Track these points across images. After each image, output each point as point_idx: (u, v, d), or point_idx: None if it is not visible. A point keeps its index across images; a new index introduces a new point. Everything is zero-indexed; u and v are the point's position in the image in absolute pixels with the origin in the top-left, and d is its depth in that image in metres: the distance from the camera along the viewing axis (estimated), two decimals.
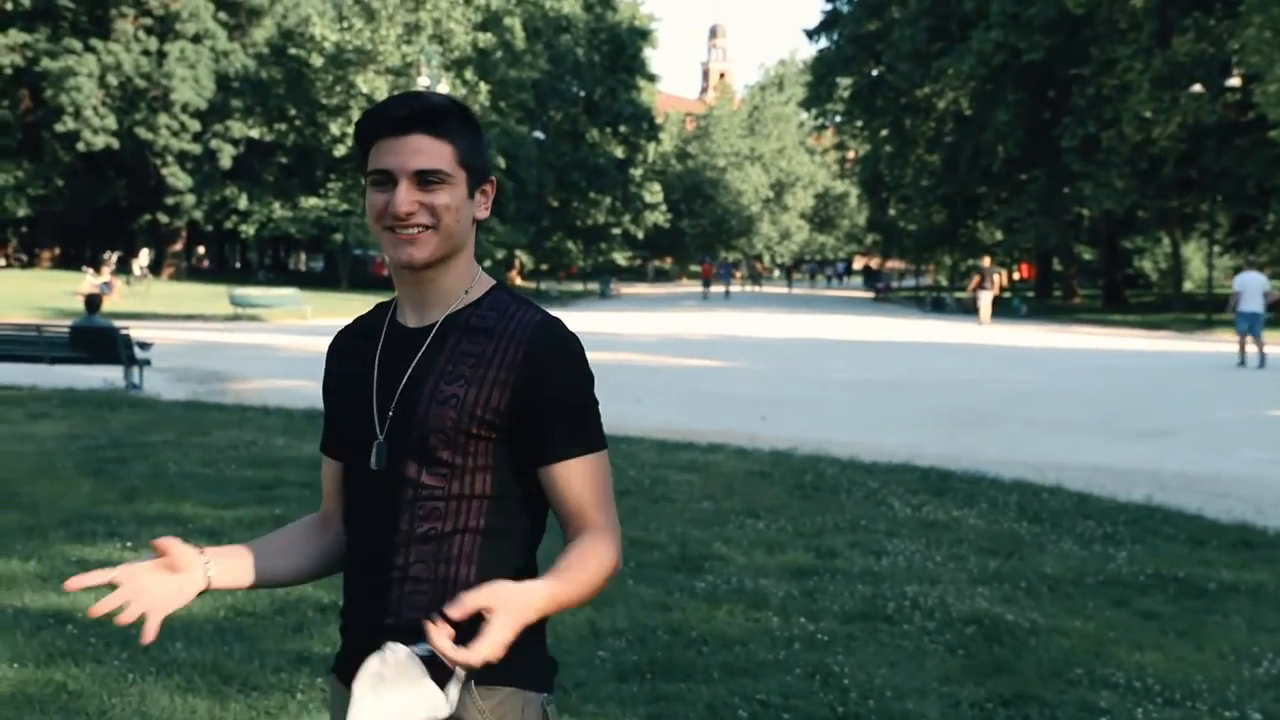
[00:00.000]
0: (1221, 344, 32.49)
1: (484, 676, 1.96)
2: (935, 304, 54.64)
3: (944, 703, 5.13)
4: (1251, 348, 24.67)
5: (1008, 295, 52.55)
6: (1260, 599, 6.94)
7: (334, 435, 2.24)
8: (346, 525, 2.18)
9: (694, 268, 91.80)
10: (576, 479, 2.07)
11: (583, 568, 2.01)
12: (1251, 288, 24.93)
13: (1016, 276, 79.17)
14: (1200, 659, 5.81)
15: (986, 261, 48.11)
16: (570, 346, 2.08)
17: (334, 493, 2.28)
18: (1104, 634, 6.14)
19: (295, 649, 5.61)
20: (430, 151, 2.05)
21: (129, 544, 7.47)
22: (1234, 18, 42.23)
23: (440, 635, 1.80)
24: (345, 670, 2.10)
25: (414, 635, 1.96)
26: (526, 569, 2.10)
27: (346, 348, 2.24)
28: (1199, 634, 6.22)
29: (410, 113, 2.05)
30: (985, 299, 40.54)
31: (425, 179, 2.05)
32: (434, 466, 2.04)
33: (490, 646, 1.80)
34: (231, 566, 2.16)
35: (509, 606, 1.84)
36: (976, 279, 43.19)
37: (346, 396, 2.16)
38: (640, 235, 79.12)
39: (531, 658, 2.06)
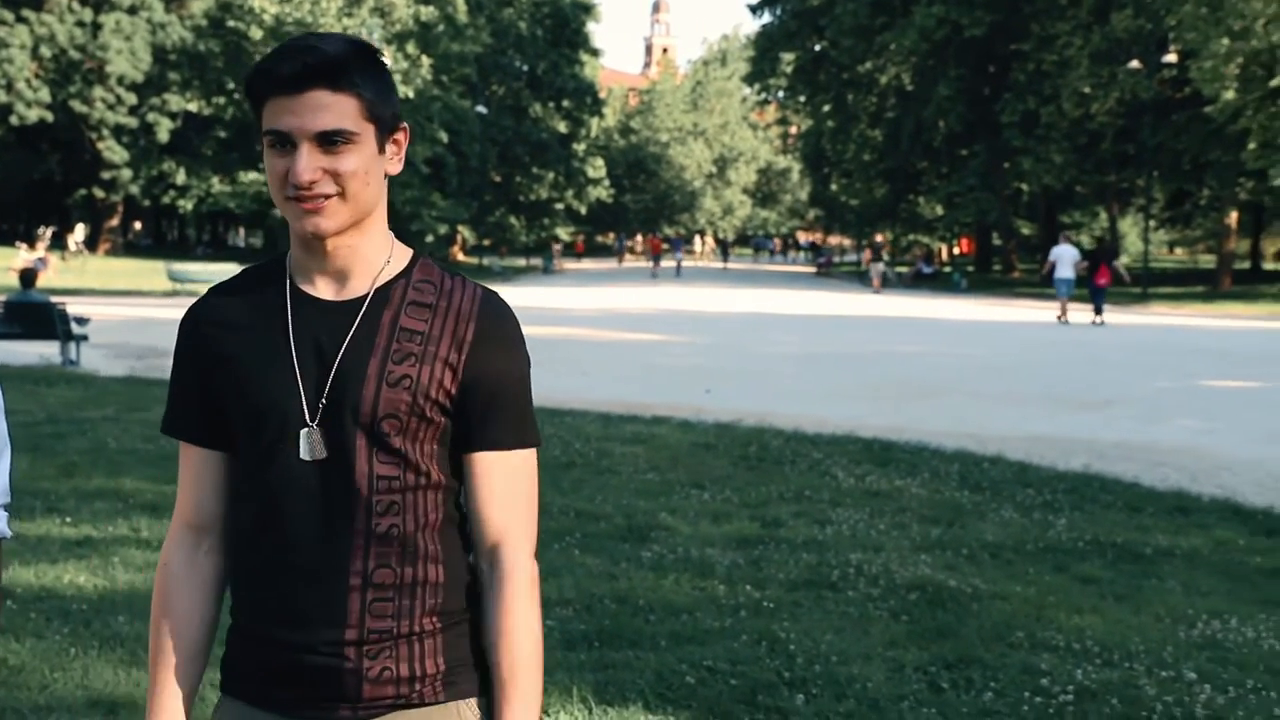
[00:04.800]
0: (1157, 316, 32.93)
1: (471, 689, 1.90)
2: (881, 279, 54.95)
3: (888, 667, 5.18)
4: (1069, 311, 28.61)
5: (948, 270, 53.01)
6: (1195, 563, 7.07)
7: (216, 419, 1.92)
8: (258, 527, 1.88)
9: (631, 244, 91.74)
10: (502, 474, 1.90)
11: (522, 650, 1.88)
12: (1065, 258, 29.11)
13: (957, 251, 79.73)
14: (1137, 621, 5.91)
15: (880, 237, 54.79)
16: (516, 326, 1.94)
17: (211, 493, 1.95)
18: (1044, 598, 6.23)
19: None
20: (332, 109, 1.79)
21: (68, 519, 7.40)
22: None
23: None
24: (279, 695, 1.88)
25: (381, 649, 1.84)
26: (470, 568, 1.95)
27: (229, 320, 1.92)
28: (1136, 598, 6.33)
29: (304, 67, 1.78)
30: (877, 270, 46.34)
31: (329, 140, 1.79)
32: (388, 455, 1.84)
33: None
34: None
35: None
36: (869, 252, 49.58)
37: (253, 376, 1.87)
38: (583, 210, 78.91)
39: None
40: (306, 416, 1.84)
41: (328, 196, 1.80)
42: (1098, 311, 28.62)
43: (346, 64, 1.80)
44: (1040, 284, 51.02)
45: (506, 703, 1.87)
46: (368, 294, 1.88)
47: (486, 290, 1.93)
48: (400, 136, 1.90)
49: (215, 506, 1.96)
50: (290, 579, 1.84)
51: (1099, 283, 28.79)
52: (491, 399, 1.88)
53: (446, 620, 1.89)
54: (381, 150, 1.86)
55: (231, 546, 1.96)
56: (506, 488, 1.90)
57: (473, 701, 1.91)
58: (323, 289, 1.89)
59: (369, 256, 1.89)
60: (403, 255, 1.93)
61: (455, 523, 1.92)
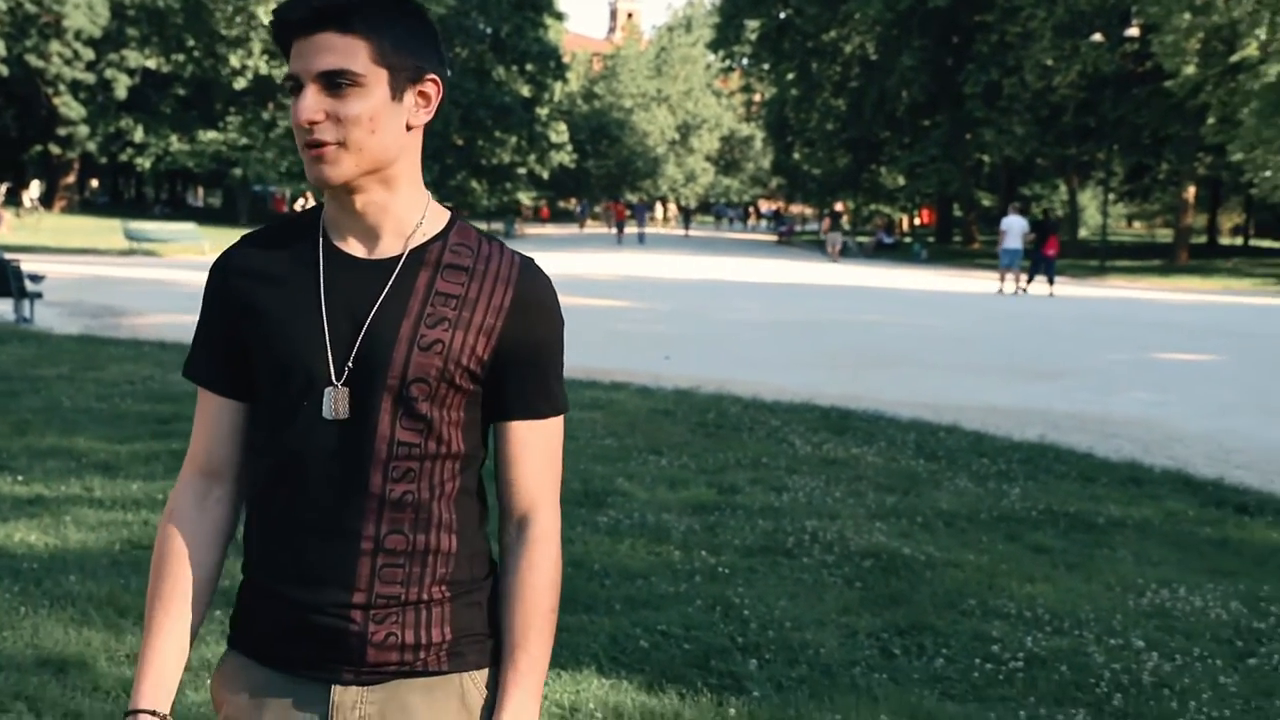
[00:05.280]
0: (1115, 289, 33.18)
1: (478, 661, 1.88)
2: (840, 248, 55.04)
3: (841, 633, 5.22)
4: (1010, 282, 29.17)
5: (909, 240, 53.23)
6: (1146, 533, 7.15)
7: (238, 368, 1.90)
8: (274, 483, 1.85)
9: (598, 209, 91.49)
10: (537, 442, 1.90)
11: (538, 606, 1.89)
12: (1014, 229, 29.54)
13: (918, 222, 79.99)
14: (1088, 590, 5.98)
15: (839, 206, 55.69)
16: (553, 294, 1.90)
17: (226, 442, 1.92)
18: (996, 567, 6.29)
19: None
20: (337, 49, 1.75)
21: (19, 478, 7.33)
22: None
23: None
24: (284, 653, 1.85)
25: (388, 614, 1.81)
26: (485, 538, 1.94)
27: (260, 270, 1.89)
28: (1087, 566, 6.40)
29: (310, 10, 1.76)
30: (834, 239, 47.09)
31: (333, 83, 1.76)
32: (412, 421, 1.80)
33: None
34: (172, 685, 1.89)
35: None
36: (827, 221, 50.43)
37: (281, 330, 1.83)
38: (546, 175, 78.60)
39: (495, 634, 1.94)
40: (333, 375, 1.80)
41: (330, 144, 1.77)
42: (1050, 282, 29.14)
43: (357, 7, 1.76)
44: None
45: (514, 664, 1.87)
46: (402, 254, 1.84)
47: (525, 257, 1.89)
48: (428, 88, 1.84)
49: (228, 455, 1.92)
50: (303, 537, 1.81)
51: (1047, 253, 29.45)
52: (527, 366, 1.87)
53: (456, 590, 1.86)
54: (397, 99, 1.80)
55: (242, 498, 1.94)
56: (540, 456, 1.91)
57: (477, 675, 1.88)
58: (355, 246, 1.86)
59: (400, 215, 1.85)
60: (439, 216, 1.90)
61: (473, 493, 1.90)
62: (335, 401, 1.80)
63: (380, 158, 1.80)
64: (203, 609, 1.93)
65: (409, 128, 1.83)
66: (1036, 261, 29.56)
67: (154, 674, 1.87)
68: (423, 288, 1.83)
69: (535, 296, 1.87)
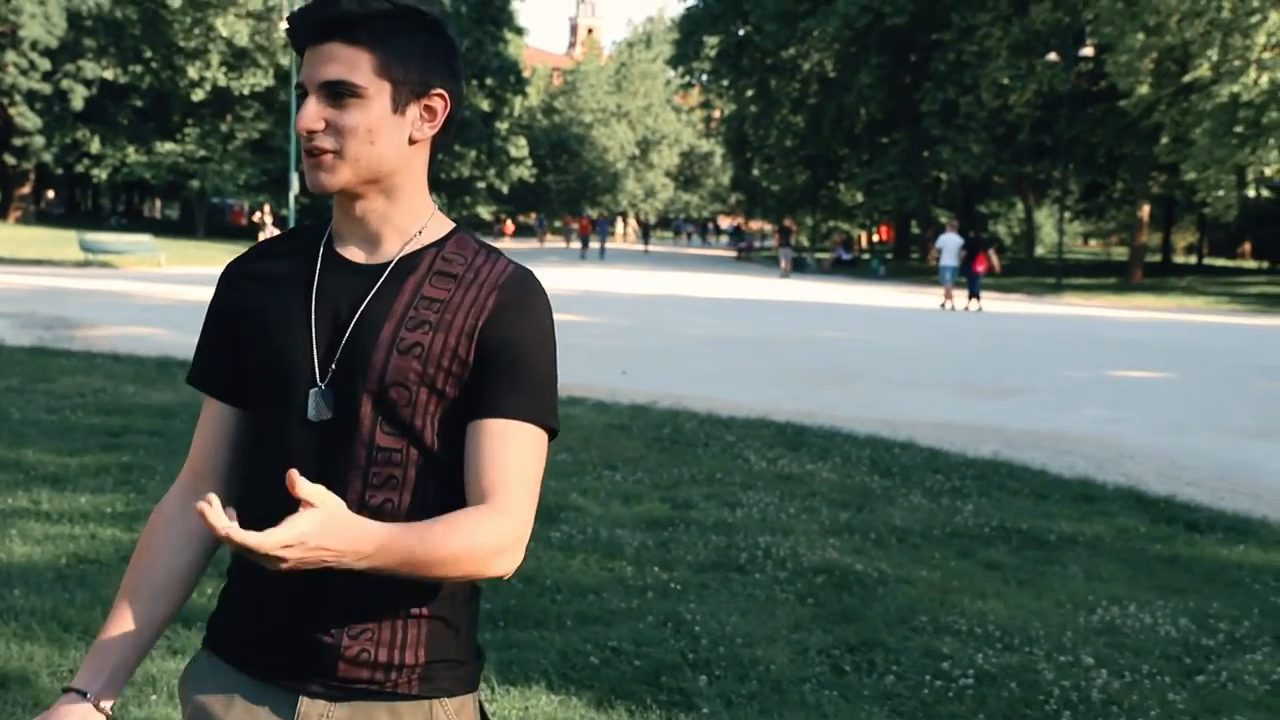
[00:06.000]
0: (1070, 307, 33.44)
1: (450, 688, 1.83)
2: (796, 264, 55.25)
3: (792, 649, 5.22)
4: (949, 297, 30.55)
5: (867, 257, 53.57)
6: (1097, 550, 7.18)
7: (236, 374, 1.89)
8: (258, 485, 1.84)
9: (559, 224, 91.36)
10: (506, 445, 1.78)
11: (454, 530, 1.70)
12: (949, 247, 31.10)
13: (876, 238, 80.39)
14: (1039, 606, 6.00)
15: (788, 222, 58.16)
16: (545, 304, 1.85)
17: (220, 444, 1.92)
18: (948, 583, 6.30)
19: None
20: (341, 60, 1.77)
21: None
22: None
23: (215, 513, 1.53)
24: (256, 659, 1.83)
25: (363, 630, 1.79)
26: None
27: (261, 275, 1.90)
28: (1039, 583, 6.42)
29: (317, 19, 1.78)
30: (786, 254, 47.95)
31: (334, 92, 1.77)
32: (393, 426, 1.78)
33: (268, 539, 1.54)
34: (118, 675, 1.85)
35: (330, 521, 1.58)
36: (778, 237, 52.58)
37: (271, 331, 1.83)
38: (505, 190, 78.54)
39: (478, 657, 1.92)
40: (316, 377, 1.80)
41: (328, 152, 1.78)
42: (973, 296, 30.25)
43: (364, 18, 1.77)
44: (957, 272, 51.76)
45: (408, 525, 1.70)
46: (392, 260, 1.85)
47: (520, 266, 1.87)
48: (435, 103, 1.83)
49: (220, 459, 1.92)
50: None
51: (976, 270, 30.62)
52: (507, 367, 1.80)
53: (434, 609, 1.82)
54: (399, 112, 1.80)
55: (232, 502, 1.89)
56: (509, 459, 1.77)
57: (449, 702, 1.85)
58: (354, 252, 1.86)
59: (400, 224, 1.85)
60: (441, 226, 1.89)
61: (457, 507, 1.80)
62: (318, 404, 1.80)
63: (378, 169, 1.81)
64: (170, 608, 1.90)
65: (412, 141, 1.83)
66: (969, 278, 30.69)
67: (98, 658, 1.85)
68: (409, 292, 1.82)
69: (522, 301, 1.83)
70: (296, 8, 1.84)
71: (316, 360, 1.81)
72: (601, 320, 22.55)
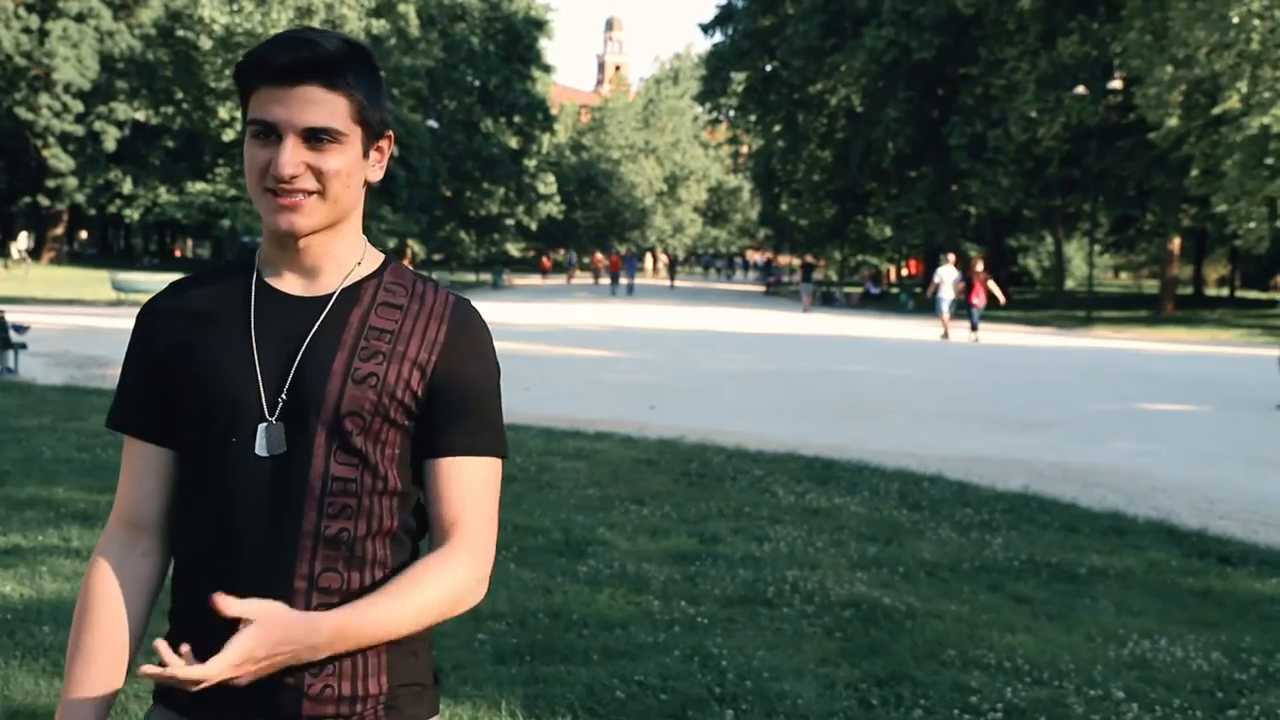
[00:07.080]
0: (1101, 340, 33.27)
1: (415, 715, 1.83)
2: (825, 298, 55.22)
3: (820, 683, 5.19)
4: (944, 326, 31.15)
5: (896, 290, 53.52)
6: (1128, 583, 7.12)
7: (165, 413, 1.85)
8: (204, 524, 1.80)
9: (588, 260, 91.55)
10: (467, 481, 1.83)
11: (413, 592, 1.76)
12: (946, 280, 32.09)
13: (905, 272, 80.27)
14: (1068, 641, 5.95)
15: (810, 259, 59.94)
16: (487, 334, 1.90)
17: (152, 490, 1.87)
18: (977, 617, 6.26)
19: (164, 632, 5.50)
20: (323, 105, 1.76)
21: None
22: (1116, 21, 43.31)
23: (166, 651, 1.61)
24: (213, 709, 1.77)
25: (325, 663, 1.75)
26: None
27: (189, 310, 1.87)
28: (1068, 617, 6.37)
29: (300, 60, 1.75)
30: (806, 290, 48.91)
31: (315, 137, 1.76)
32: (347, 456, 1.77)
33: (213, 669, 1.61)
34: None
35: (273, 630, 1.66)
36: (801, 272, 53.54)
37: (210, 367, 1.80)
38: (534, 226, 78.87)
39: (436, 681, 1.91)
40: (265, 411, 1.77)
41: (307, 193, 1.77)
42: (973, 329, 30.74)
43: (343, 63, 1.77)
44: (986, 306, 51.59)
45: (369, 598, 1.76)
46: (335, 291, 1.84)
47: (459, 296, 1.90)
48: (384, 144, 1.87)
49: (156, 506, 1.87)
50: (234, 580, 1.73)
51: (972, 302, 31.23)
52: (459, 403, 1.83)
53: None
54: (365, 155, 1.83)
55: (169, 550, 1.88)
56: (468, 495, 1.83)
57: None
58: (291, 284, 1.85)
59: (341, 257, 1.86)
60: (375, 258, 1.91)
61: (410, 532, 1.85)
62: (270, 438, 1.77)
63: (346, 210, 1.83)
64: (124, 665, 1.87)
65: (367, 182, 1.87)
66: (967, 310, 31.26)
67: None
68: (356, 322, 1.83)
69: (469, 333, 1.87)
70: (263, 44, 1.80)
71: (264, 394, 1.78)
72: (629, 355, 22.56)
